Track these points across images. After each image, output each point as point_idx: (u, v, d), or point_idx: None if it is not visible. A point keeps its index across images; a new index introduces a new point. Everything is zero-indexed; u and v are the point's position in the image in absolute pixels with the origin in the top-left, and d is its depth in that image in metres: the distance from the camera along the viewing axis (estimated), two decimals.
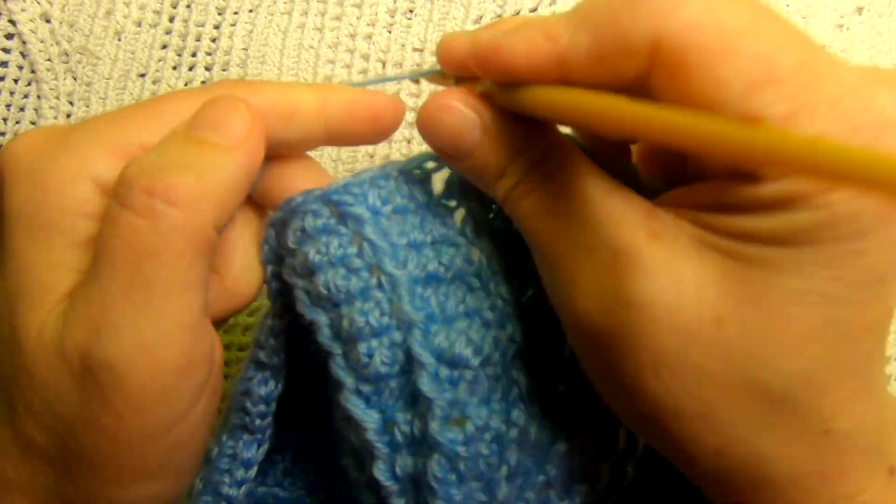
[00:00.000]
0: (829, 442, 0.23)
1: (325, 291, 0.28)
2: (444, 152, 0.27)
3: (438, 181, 0.31)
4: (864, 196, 0.20)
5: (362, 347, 0.28)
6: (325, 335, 0.29)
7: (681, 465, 0.25)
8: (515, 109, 0.25)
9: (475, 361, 0.28)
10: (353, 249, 0.29)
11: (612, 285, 0.23)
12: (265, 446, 0.32)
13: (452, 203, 0.31)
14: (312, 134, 0.29)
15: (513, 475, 0.28)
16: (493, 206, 0.30)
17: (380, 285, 0.29)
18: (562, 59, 0.22)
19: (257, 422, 0.32)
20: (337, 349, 0.28)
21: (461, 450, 0.27)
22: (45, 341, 0.24)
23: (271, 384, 0.31)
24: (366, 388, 0.28)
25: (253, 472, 0.32)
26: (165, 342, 0.24)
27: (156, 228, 0.23)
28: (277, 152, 0.30)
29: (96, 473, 0.25)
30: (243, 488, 0.31)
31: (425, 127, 0.27)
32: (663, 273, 0.22)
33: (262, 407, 0.31)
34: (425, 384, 0.27)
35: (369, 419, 0.28)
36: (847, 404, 0.23)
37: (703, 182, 0.23)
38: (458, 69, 0.27)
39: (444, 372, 0.28)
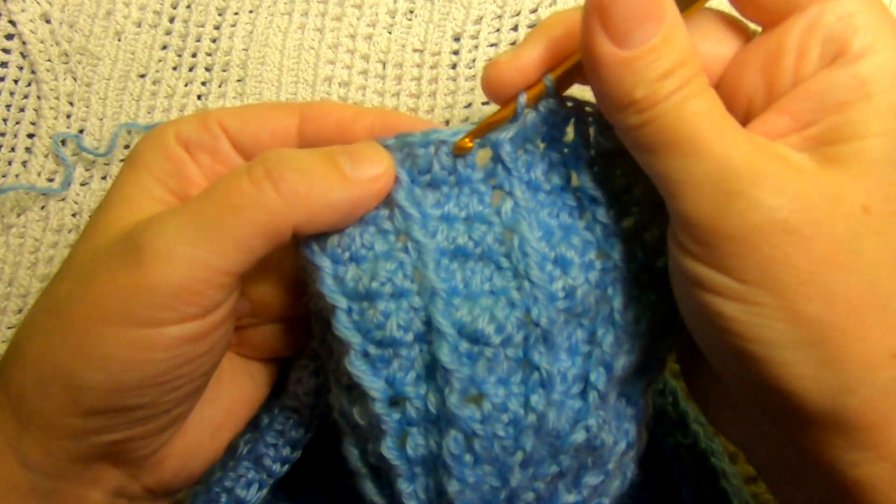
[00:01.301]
0: None
1: (347, 241, 0.29)
2: (612, 36, 0.26)
3: (483, 157, 0.31)
4: None
5: (381, 306, 0.28)
6: (327, 285, 0.29)
7: (832, 396, 0.24)
8: None
9: (496, 339, 0.28)
10: (385, 212, 0.29)
11: (778, 179, 0.24)
12: (311, 434, 0.32)
13: (493, 182, 0.30)
14: None
15: (526, 462, 0.28)
16: (540, 196, 0.30)
17: (405, 249, 0.29)
18: None
19: (305, 409, 0.32)
20: (342, 303, 0.28)
21: (477, 427, 0.27)
22: (116, 229, 0.29)
23: (321, 377, 0.32)
24: (374, 351, 0.28)
25: (297, 454, 0.32)
26: (200, 262, 0.27)
27: (252, 196, 0.27)
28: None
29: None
30: (286, 466, 0.32)
31: (602, 13, 0.25)
32: (812, 173, 0.25)
33: (311, 397, 0.32)
34: (445, 355, 0.27)
35: (375, 385, 0.28)
36: None
37: (794, 93, 0.26)
38: (524, 83, 0.29)
39: (465, 346, 0.28)
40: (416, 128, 0.31)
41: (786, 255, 0.24)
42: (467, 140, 0.30)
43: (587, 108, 0.30)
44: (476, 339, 0.28)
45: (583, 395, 0.29)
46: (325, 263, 0.29)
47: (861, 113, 0.25)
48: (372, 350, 0.28)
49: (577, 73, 0.29)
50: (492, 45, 0.48)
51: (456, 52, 0.49)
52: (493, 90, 0.30)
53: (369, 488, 0.30)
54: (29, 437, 0.28)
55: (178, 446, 0.32)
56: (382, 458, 0.28)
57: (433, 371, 0.28)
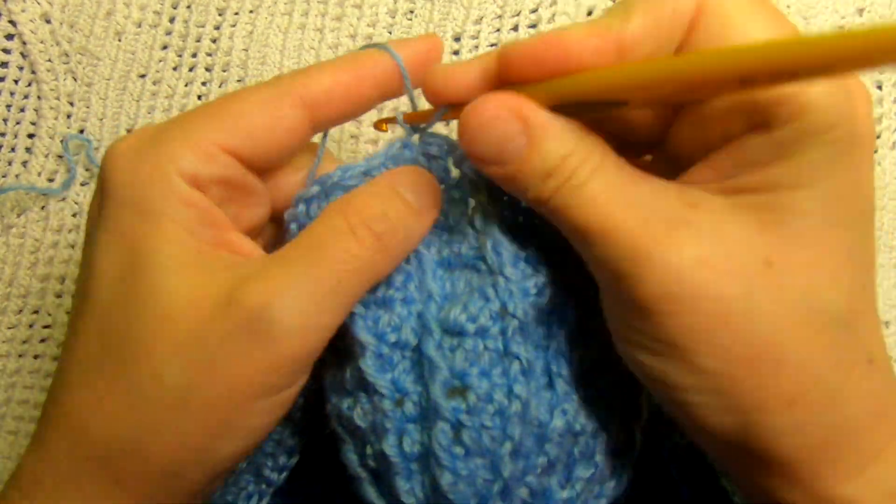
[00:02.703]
0: (874, 373, 0.26)
1: None
2: (485, 161, 0.27)
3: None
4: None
5: (397, 310, 0.30)
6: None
7: (745, 433, 0.26)
8: (560, 101, 0.26)
9: (470, 328, 0.29)
10: None
11: (654, 254, 0.25)
12: (304, 439, 0.33)
13: (462, 193, 0.32)
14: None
15: (516, 452, 0.29)
16: (505, 198, 0.31)
17: (409, 261, 0.31)
18: (619, 39, 0.25)
19: (298, 414, 0.33)
20: (360, 310, 0.30)
21: (464, 418, 0.28)
22: (197, 298, 0.27)
23: (310, 380, 0.32)
24: (386, 352, 0.30)
25: (294, 460, 0.33)
26: (327, 329, 0.28)
27: (363, 260, 0.28)
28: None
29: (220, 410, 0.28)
30: (283, 474, 0.33)
31: (468, 141, 0.26)
32: (711, 232, 0.25)
33: (302, 400, 0.32)
34: (430, 349, 0.29)
35: (383, 381, 0.29)
36: (877, 330, 0.26)
37: (720, 150, 0.26)
38: (459, 97, 0.28)
39: (447, 341, 0.29)
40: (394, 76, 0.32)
41: (673, 322, 0.25)
42: (382, 123, 0.31)
43: None
44: (452, 331, 0.29)
45: (550, 384, 0.30)
46: None
47: (779, 170, 0.25)
48: (385, 351, 0.30)
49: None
50: (492, 44, 0.48)
51: (456, 52, 0.49)
52: (433, 93, 0.29)
53: (370, 492, 0.31)
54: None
55: None
56: (382, 458, 0.29)
57: (423, 368, 0.29)
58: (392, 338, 0.30)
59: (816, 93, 0.25)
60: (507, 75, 0.26)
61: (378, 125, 0.36)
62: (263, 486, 0.33)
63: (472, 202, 0.31)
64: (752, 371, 0.25)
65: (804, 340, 0.25)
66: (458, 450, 0.28)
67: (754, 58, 0.21)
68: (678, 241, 0.25)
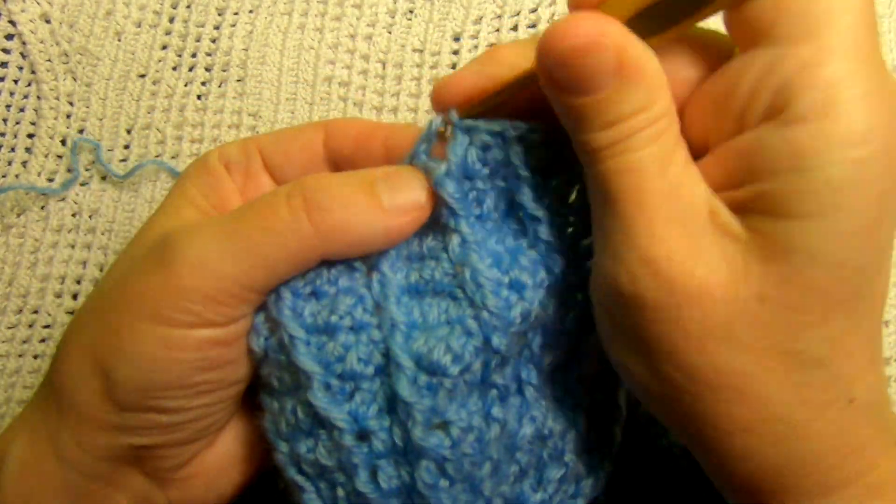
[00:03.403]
0: (852, 412, 0.25)
1: (312, 275, 0.29)
2: (561, 87, 0.25)
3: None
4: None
5: (340, 339, 0.28)
6: (285, 316, 0.29)
7: (701, 447, 0.26)
8: (631, 13, 0.24)
9: (454, 370, 0.27)
10: None
11: (675, 254, 0.24)
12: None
13: (441, 220, 0.30)
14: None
15: (494, 470, 0.29)
16: (487, 225, 0.30)
17: (368, 285, 0.29)
18: None
19: None
20: (300, 333, 0.29)
21: (447, 453, 0.27)
22: (154, 234, 0.31)
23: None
24: (335, 384, 0.28)
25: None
26: (226, 277, 0.28)
27: (286, 223, 0.28)
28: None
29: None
30: None
31: (552, 62, 0.24)
32: (717, 252, 0.24)
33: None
34: (404, 388, 0.27)
35: (341, 416, 0.28)
36: (864, 374, 0.25)
37: (734, 145, 0.25)
38: (463, 101, 0.29)
39: (423, 378, 0.28)
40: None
41: (650, 328, 0.25)
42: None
43: (513, 130, 0.29)
44: (434, 371, 0.27)
45: (519, 391, 0.30)
46: (286, 294, 0.29)
47: (788, 188, 0.23)
48: (334, 382, 0.28)
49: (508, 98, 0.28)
50: (491, 44, 0.48)
51: (456, 52, 0.49)
52: (438, 100, 0.30)
53: None
54: (66, 430, 0.30)
55: (208, 464, 0.32)
56: (357, 496, 0.28)
57: (395, 404, 0.28)
58: (338, 368, 0.28)
59: (852, 95, 0.22)
60: None
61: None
62: None
63: (447, 229, 0.29)
64: (713, 394, 0.25)
65: (773, 378, 0.24)
66: (444, 483, 0.28)
67: None
68: (690, 256, 0.24)
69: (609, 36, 0.23)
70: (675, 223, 0.24)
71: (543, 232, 0.29)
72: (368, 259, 0.30)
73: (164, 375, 0.28)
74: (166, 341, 0.28)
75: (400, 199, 0.29)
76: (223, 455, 0.32)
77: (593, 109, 0.24)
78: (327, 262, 0.30)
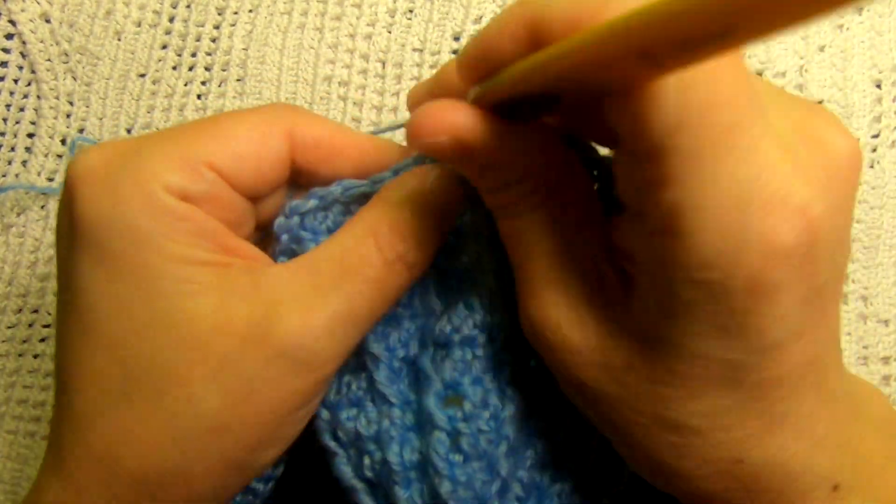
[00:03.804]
0: (744, 469, 0.25)
1: None
2: (441, 159, 0.27)
3: None
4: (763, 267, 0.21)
5: (405, 325, 0.30)
6: None
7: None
8: (504, 98, 0.24)
9: (455, 338, 0.29)
10: None
11: (550, 315, 0.25)
12: (290, 451, 0.32)
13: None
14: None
15: (511, 451, 0.29)
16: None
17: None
18: (533, 19, 0.22)
19: None
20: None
21: (461, 426, 0.29)
22: (226, 321, 0.26)
23: None
24: (396, 366, 0.30)
25: (280, 470, 0.32)
26: (348, 348, 0.28)
27: (393, 281, 0.28)
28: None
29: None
30: (270, 484, 0.32)
31: (421, 147, 0.24)
32: (595, 318, 0.25)
33: None
34: (425, 361, 0.30)
35: (395, 393, 0.30)
36: (760, 439, 0.24)
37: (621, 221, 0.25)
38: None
39: (439, 353, 0.30)
40: (394, 157, 0.31)
41: (556, 373, 0.27)
42: None
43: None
44: (440, 342, 0.30)
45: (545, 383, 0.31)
46: None
47: (651, 285, 0.23)
48: (396, 365, 0.30)
49: None
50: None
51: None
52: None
53: (367, 501, 0.30)
54: None
55: None
56: (383, 466, 0.29)
57: (419, 378, 0.30)
58: (401, 353, 0.30)
59: (701, 219, 0.20)
60: (463, 80, 0.25)
61: None
62: (250, 497, 0.32)
63: (467, 213, 0.30)
64: (611, 438, 0.27)
65: (651, 435, 0.25)
66: (457, 457, 0.29)
67: (647, 21, 0.16)
68: (566, 322, 0.25)
69: (447, 132, 0.24)
70: (555, 289, 0.25)
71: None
72: None
73: (299, 433, 0.30)
74: (309, 413, 0.30)
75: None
76: None
77: (472, 179, 0.26)
78: None
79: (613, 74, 0.19)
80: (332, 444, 0.31)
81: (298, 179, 0.31)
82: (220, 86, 0.50)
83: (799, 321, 0.22)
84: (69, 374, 0.28)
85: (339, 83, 0.49)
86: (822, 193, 0.21)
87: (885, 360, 0.43)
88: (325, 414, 0.31)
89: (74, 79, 0.51)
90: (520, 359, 0.30)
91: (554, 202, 0.25)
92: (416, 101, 0.30)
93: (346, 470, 0.30)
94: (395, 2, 0.50)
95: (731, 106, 0.19)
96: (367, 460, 0.30)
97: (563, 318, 0.25)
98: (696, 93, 0.19)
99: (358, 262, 0.28)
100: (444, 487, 0.28)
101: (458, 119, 0.24)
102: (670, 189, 0.20)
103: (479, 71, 0.24)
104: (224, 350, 0.26)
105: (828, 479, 0.25)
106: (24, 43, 0.51)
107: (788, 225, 0.20)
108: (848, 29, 0.46)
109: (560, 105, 0.23)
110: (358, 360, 0.31)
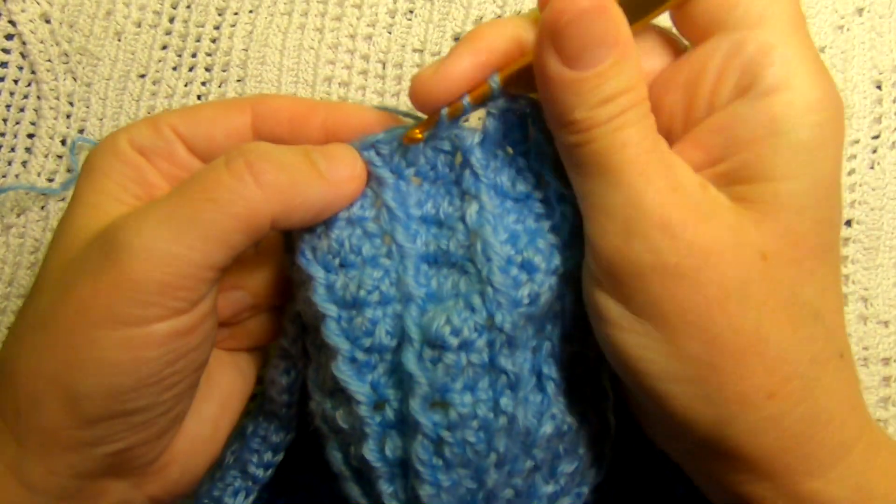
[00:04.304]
0: (844, 367, 0.27)
1: (336, 247, 0.29)
2: (566, 52, 0.25)
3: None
4: None
5: (368, 314, 0.28)
6: (319, 295, 0.29)
7: (722, 424, 0.26)
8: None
9: (453, 342, 0.27)
10: (371, 212, 0.29)
11: (686, 217, 0.25)
12: (291, 435, 0.32)
13: (463, 186, 0.30)
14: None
15: (501, 462, 0.28)
16: (507, 203, 0.30)
17: (389, 254, 0.29)
18: None
19: (283, 410, 0.32)
20: (332, 311, 0.28)
21: (445, 434, 0.27)
22: (83, 236, 0.29)
23: (292, 374, 0.32)
24: (361, 357, 0.28)
25: (280, 457, 0.32)
26: (182, 259, 0.27)
27: (232, 189, 0.27)
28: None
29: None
30: (269, 471, 0.32)
31: (557, 29, 0.25)
32: (718, 218, 0.25)
33: (285, 396, 0.32)
34: (410, 360, 0.28)
35: (361, 390, 0.28)
36: (843, 329, 0.27)
37: (709, 126, 0.27)
38: (457, 92, 0.28)
39: (428, 352, 0.28)
40: (368, 121, 0.31)
41: (673, 296, 0.25)
42: (417, 131, 0.29)
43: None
44: (433, 343, 0.28)
45: (540, 387, 0.30)
46: (319, 273, 0.29)
47: (769, 152, 0.25)
48: (359, 356, 0.28)
49: (524, 76, 0.28)
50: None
51: None
52: (420, 102, 0.29)
53: (353, 490, 0.30)
54: (29, 458, 0.28)
55: (179, 449, 0.32)
56: (364, 460, 0.29)
57: (403, 375, 0.28)
58: (366, 342, 0.28)
59: (806, 69, 0.25)
60: None
61: (412, 137, 0.31)
62: (250, 483, 0.32)
63: (466, 196, 0.30)
64: (736, 362, 0.25)
65: (784, 335, 0.25)
66: (439, 462, 0.28)
67: None
68: (700, 221, 0.25)
69: (613, 8, 0.25)
70: (678, 192, 0.25)
71: (569, 211, 0.29)
72: (384, 222, 0.29)
73: (131, 377, 0.27)
74: (129, 342, 0.27)
75: (335, 168, 0.29)
76: (192, 437, 0.32)
77: (589, 84, 0.25)
78: (347, 230, 0.29)
79: None
80: (323, 428, 0.31)
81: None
82: (220, 86, 0.50)
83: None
84: None
85: (340, 84, 0.49)
86: None
87: (886, 362, 0.43)
88: (317, 396, 0.30)
89: (74, 79, 0.51)
90: (524, 369, 0.29)
91: (652, 115, 0.26)
92: (453, 75, 0.28)
93: (336, 456, 0.30)
94: (395, 2, 0.50)
95: None
96: (352, 450, 0.30)
97: (695, 218, 0.25)
98: None
99: (203, 169, 0.29)
100: (425, 491, 0.28)
101: (616, 6, 0.25)
102: (787, 43, 0.26)
103: None
104: (69, 254, 0.29)
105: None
106: (24, 43, 0.51)
107: None
108: (848, 30, 0.46)
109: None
110: (323, 351, 0.29)
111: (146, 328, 0.27)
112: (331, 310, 0.28)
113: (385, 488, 0.29)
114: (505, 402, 0.28)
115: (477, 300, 0.28)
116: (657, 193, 0.25)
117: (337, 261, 0.29)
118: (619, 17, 0.25)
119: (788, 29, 0.26)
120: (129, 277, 0.26)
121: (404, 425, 0.28)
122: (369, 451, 0.28)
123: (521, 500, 0.30)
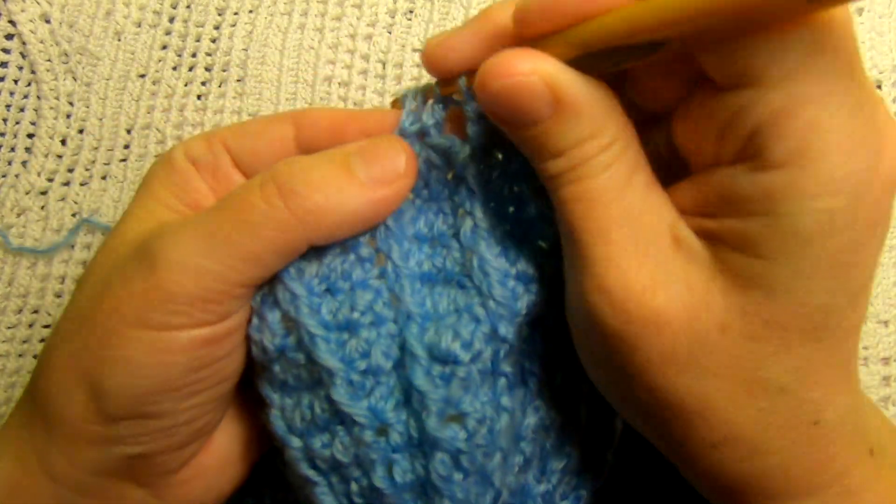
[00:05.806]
0: (818, 433, 0.25)
1: (326, 272, 0.28)
2: (502, 119, 0.25)
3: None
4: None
5: (363, 335, 0.28)
6: (304, 314, 0.28)
7: (676, 459, 0.27)
8: (585, 50, 0.24)
9: (465, 357, 0.27)
10: (364, 236, 0.29)
11: (632, 283, 0.24)
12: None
13: (456, 200, 0.30)
14: None
15: (504, 460, 0.29)
16: (511, 211, 0.30)
17: (382, 274, 0.29)
18: None
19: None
20: (321, 332, 0.28)
21: (462, 445, 0.27)
22: (129, 239, 0.30)
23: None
24: (357, 379, 0.28)
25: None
26: (214, 275, 0.27)
27: (263, 213, 0.27)
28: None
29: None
30: None
31: (488, 103, 0.25)
32: (679, 279, 0.24)
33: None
34: (419, 379, 0.27)
35: (360, 410, 0.28)
36: (833, 396, 0.25)
37: (709, 175, 0.25)
38: (459, 68, 0.27)
39: (437, 369, 0.27)
40: (392, 124, 0.31)
41: (612, 355, 0.25)
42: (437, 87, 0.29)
43: None
44: (445, 359, 0.27)
45: (524, 381, 0.30)
46: (301, 292, 0.28)
47: (759, 230, 0.23)
48: (356, 378, 0.28)
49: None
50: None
51: None
52: (433, 67, 0.28)
53: None
54: (55, 446, 0.29)
55: (204, 464, 0.32)
56: (372, 492, 0.28)
57: (411, 396, 0.28)
58: (361, 364, 0.28)
59: (826, 143, 0.21)
60: (524, 30, 0.25)
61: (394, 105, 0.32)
62: None
63: (460, 211, 0.29)
64: (676, 416, 0.25)
65: (735, 403, 0.25)
66: (458, 476, 0.28)
67: None
68: (649, 284, 0.24)
69: (539, 73, 0.24)
70: (633, 251, 0.24)
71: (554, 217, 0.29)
72: (380, 240, 0.29)
73: (155, 380, 0.28)
74: (155, 345, 0.27)
75: (377, 170, 0.28)
76: (220, 455, 0.32)
77: (539, 139, 0.25)
78: (339, 257, 0.29)
79: (779, 13, 0.20)
80: (310, 474, 0.29)
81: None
82: (220, 86, 0.50)
83: (875, 263, 0.24)
84: None
85: (340, 84, 0.49)
86: None
87: (885, 361, 0.43)
88: (295, 442, 0.29)
89: (74, 79, 0.51)
90: (520, 371, 0.29)
91: (626, 160, 0.25)
92: (455, 48, 0.28)
93: (328, 500, 0.29)
94: (395, 2, 0.50)
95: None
96: (354, 486, 0.29)
97: (648, 282, 0.24)
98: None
99: (237, 189, 0.29)
100: None
101: (547, 65, 0.24)
102: (805, 109, 0.21)
103: (551, 22, 0.24)
104: (113, 259, 0.30)
105: (867, 441, 0.27)
106: (24, 43, 0.51)
107: None
108: None
109: (658, 53, 0.22)
110: (313, 376, 0.29)
111: (173, 333, 0.28)
112: (319, 330, 0.28)
113: None
114: (505, 400, 0.29)
115: (480, 311, 0.28)
116: (605, 254, 0.24)
117: (323, 286, 0.29)
118: (549, 79, 0.23)
119: (822, 88, 0.21)
120: (161, 287, 0.27)
121: (413, 447, 0.28)
122: (380, 479, 0.28)
123: (516, 500, 0.30)
